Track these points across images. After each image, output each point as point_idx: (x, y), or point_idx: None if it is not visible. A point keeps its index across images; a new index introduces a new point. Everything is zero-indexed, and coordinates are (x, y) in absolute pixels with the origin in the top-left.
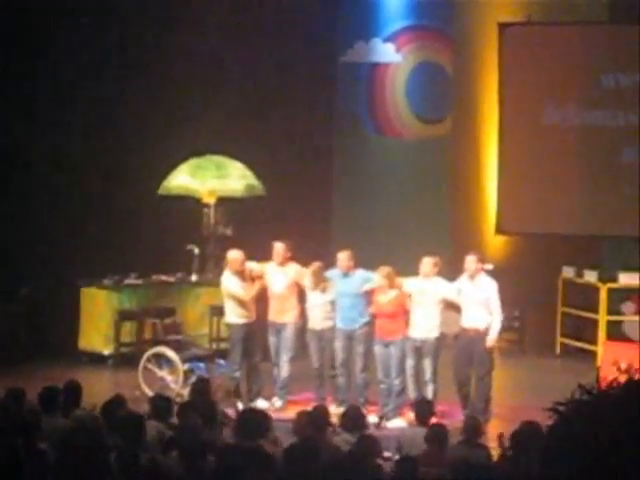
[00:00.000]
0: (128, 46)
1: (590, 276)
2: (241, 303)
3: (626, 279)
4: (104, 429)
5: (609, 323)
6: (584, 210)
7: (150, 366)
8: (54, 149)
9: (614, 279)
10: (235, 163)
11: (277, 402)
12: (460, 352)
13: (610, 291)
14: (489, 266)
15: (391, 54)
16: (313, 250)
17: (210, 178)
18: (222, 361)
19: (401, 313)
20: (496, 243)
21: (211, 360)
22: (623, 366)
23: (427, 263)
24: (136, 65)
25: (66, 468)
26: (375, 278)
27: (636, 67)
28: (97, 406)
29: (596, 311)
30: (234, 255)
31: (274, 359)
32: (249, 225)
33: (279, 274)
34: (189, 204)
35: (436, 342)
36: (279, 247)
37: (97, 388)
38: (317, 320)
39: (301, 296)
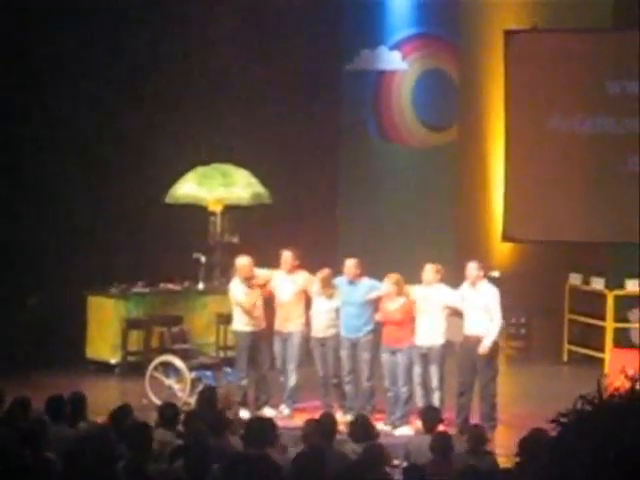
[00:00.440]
0: (136, 53)
1: (597, 283)
2: (246, 311)
3: (633, 286)
4: (111, 438)
5: (616, 330)
6: (591, 217)
7: (157, 375)
8: (62, 157)
9: (621, 286)
10: (241, 171)
11: (284, 410)
12: (463, 359)
13: (617, 298)
14: (495, 273)
15: (397, 62)
16: (319, 257)
17: (216, 186)
18: (229, 369)
19: (408, 321)
20: (503, 250)
21: (218, 368)
22: (631, 373)
23: (429, 270)
24: (143, 73)
25: (73, 477)
26: (381, 287)
27: None
28: (104, 415)
29: (603, 318)
30: (242, 262)
31: (281, 367)
32: (255, 233)
33: (287, 282)
34: (196, 212)
35: (442, 349)
36: (287, 255)
37: (104, 397)
38: (321, 327)
39: (308, 305)
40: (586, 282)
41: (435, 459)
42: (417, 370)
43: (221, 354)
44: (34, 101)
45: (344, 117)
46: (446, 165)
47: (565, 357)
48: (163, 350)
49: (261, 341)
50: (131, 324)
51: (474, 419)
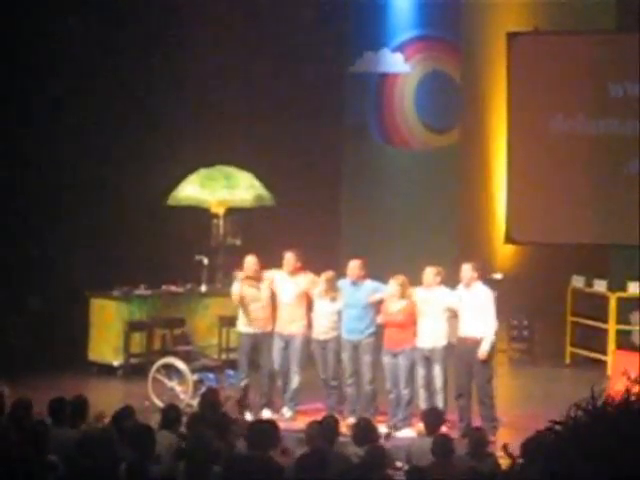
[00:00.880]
0: (139, 56)
1: (599, 285)
2: (246, 311)
3: (635, 288)
4: (114, 440)
5: (618, 332)
6: (593, 219)
7: (160, 377)
8: (64, 160)
9: (623, 288)
10: (244, 173)
11: (286, 413)
12: (459, 362)
13: (619, 300)
14: (498, 275)
15: (400, 64)
16: (321, 260)
17: (219, 189)
18: (231, 371)
19: (410, 323)
20: (505, 252)
21: (220, 370)
22: (634, 375)
23: (429, 273)
24: (147, 75)
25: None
26: (384, 289)
27: None
28: (106, 417)
29: (605, 320)
30: (247, 259)
31: (283, 370)
32: (258, 235)
33: (289, 283)
34: (198, 215)
35: (444, 351)
36: (289, 257)
37: (107, 399)
38: (322, 330)
39: (310, 307)
40: (588, 284)
41: (436, 462)
42: (420, 372)
43: (223, 356)
44: (37, 100)
45: (347, 119)
46: (448, 167)
47: (567, 359)
48: (165, 352)
49: (263, 343)
50: (133, 326)
51: (475, 422)
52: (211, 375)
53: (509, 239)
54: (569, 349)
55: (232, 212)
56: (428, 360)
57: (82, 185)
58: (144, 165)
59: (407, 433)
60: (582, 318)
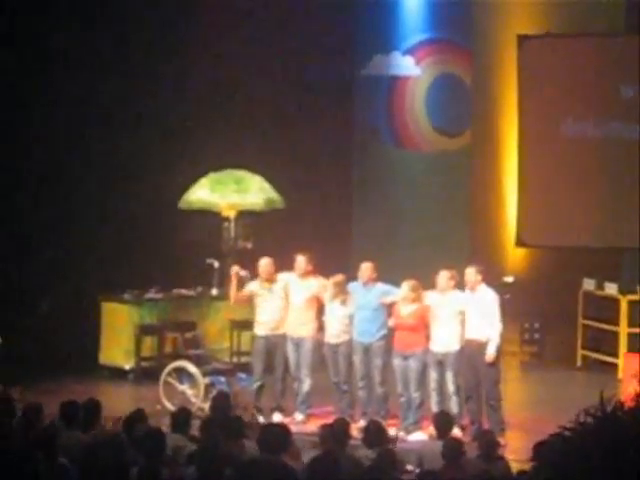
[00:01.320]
0: (150, 61)
1: (610, 288)
2: (259, 313)
3: None
4: (125, 444)
5: (629, 335)
6: (604, 222)
7: (171, 380)
8: (73, 164)
9: (634, 291)
10: (255, 177)
11: (298, 416)
12: (465, 364)
13: (630, 303)
14: (509, 278)
15: (410, 67)
16: (332, 263)
17: (230, 192)
18: (243, 375)
19: (422, 326)
20: (516, 255)
21: (232, 374)
22: None
23: (443, 277)
24: (157, 80)
25: None
26: (395, 292)
27: None
28: (118, 420)
29: (617, 323)
30: (262, 261)
31: (294, 373)
32: (269, 238)
33: (300, 287)
34: (209, 218)
35: (457, 355)
36: (300, 260)
37: (118, 403)
38: (334, 333)
39: (320, 310)
40: (600, 287)
41: (446, 465)
42: (433, 376)
43: (235, 360)
44: (49, 102)
45: (357, 122)
46: (459, 170)
47: (579, 362)
48: (177, 356)
49: (276, 346)
50: (145, 330)
51: (484, 425)
52: (222, 378)
53: (520, 242)
54: (580, 352)
55: (243, 215)
56: (441, 364)
57: (93, 189)
58: (155, 168)
59: (418, 436)
60: (593, 321)
